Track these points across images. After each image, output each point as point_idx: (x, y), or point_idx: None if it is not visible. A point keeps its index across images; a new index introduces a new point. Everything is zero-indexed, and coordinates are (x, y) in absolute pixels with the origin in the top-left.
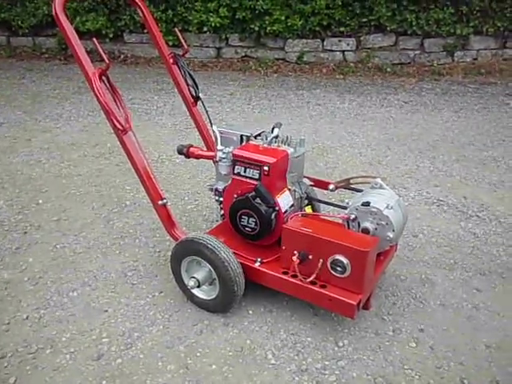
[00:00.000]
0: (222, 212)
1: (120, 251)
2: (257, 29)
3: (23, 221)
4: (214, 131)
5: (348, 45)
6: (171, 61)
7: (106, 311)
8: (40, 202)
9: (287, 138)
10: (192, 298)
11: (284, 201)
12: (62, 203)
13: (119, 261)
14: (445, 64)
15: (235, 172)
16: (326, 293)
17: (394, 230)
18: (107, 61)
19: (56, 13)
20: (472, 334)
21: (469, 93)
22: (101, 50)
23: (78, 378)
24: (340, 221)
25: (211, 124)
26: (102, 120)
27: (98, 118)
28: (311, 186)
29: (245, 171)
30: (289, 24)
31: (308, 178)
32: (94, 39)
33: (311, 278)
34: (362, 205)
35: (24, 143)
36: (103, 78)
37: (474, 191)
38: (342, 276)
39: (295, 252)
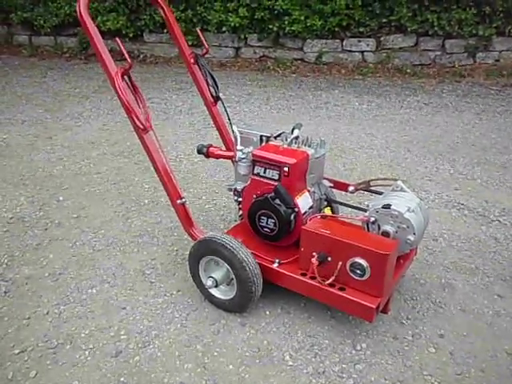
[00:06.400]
0: (241, 212)
1: (138, 249)
2: (276, 29)
3: (44, 217)
4: (233, 131)
5: (368, 45)
6: (192, 60)
7: (124, 309)
8: (60, 199)
9: (307, 138)
10: (209, 298)
11: (303, 202)
12: (81, 201)
13: (137, 259)
14: (466, 65)
15: (255, 172)
16: (345, 295)
17: (414, 234)
18: (130, 60)
19: (80, 13)
20: (493, 340)
21: (490, 95)
22: (124, 50)
23: (96, 374)
24: (359, 223)
25: (231, 124)
26: (121, 119)
27: (118, 117)
28: (331, 187)
29: (264, 172)
30: (308, 24)
31: (328, 179)
32: (117, 39)
33: (330, 281)
34: (383, 207)
35: (45, 141)
36: (125, 77)
37: (495, 195)
38: (361, 279)
39: (314, 254)
